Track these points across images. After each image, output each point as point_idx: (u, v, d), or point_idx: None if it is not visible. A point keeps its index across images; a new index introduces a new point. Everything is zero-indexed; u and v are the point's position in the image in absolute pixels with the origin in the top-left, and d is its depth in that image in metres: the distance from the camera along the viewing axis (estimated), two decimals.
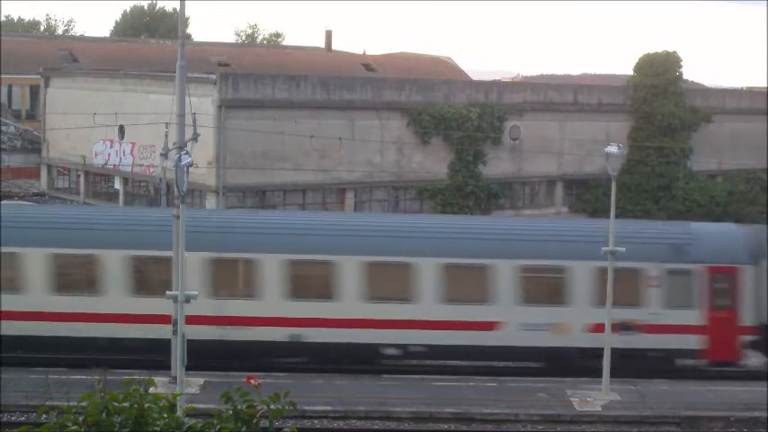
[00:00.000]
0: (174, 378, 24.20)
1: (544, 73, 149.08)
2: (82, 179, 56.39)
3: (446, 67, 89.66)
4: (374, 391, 26.96)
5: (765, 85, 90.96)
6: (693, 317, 29.72)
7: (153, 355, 27.36)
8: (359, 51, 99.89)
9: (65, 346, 28.40)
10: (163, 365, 26.10)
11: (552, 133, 55.98)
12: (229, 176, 46.19)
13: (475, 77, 78.53)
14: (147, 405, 7.45)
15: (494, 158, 54.00)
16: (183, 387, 21.10)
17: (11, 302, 28.31)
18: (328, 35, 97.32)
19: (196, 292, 21.44)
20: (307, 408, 24.50)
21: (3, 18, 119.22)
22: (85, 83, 56.66)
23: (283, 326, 28.91)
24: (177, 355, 22.27)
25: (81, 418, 7.40)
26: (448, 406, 25.98)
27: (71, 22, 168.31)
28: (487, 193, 53.58)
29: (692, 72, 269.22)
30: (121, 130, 51.46)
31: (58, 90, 58.17)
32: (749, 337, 30.08)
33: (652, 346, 29.57)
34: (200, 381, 26.37)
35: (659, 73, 59.09)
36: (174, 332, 23.42)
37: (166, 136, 34.74)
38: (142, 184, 53.17)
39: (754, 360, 30.89)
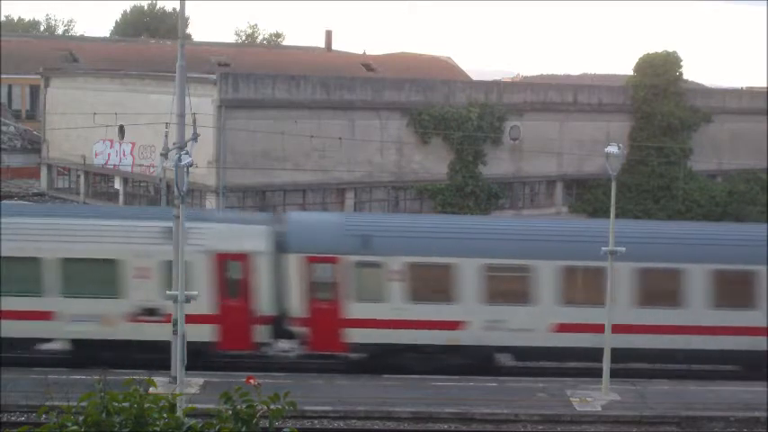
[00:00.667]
0: (174, 378, 24.20)
1: (544, 73, 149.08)
2: (82, 179, 56.41)
3: (446, 67, 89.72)
4: (374, 391, 26.95)
5: (765, 85, 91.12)
6: None
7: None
8: (359, 51, 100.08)
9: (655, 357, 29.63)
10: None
11: (552, 133, 55.99)
12: (229, 176, 46.19)
13: (475, 77, 78.60)
14: (146, 405, 7.45)
15: (494, 158, 54.00)
16: (183, 387, 21.10)
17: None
18: (328, 35, 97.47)
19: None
20: (307, 408, 24.50)
21: (3, 18, 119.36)
22: (85, 83, 56.68)
23: None
24: (177, 355, 22.27)
25: (81, 418, 7.40)
26: (448, 406, 25.98)
27: (71, 22, 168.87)
28: (487, 193, 53.58)
29: (692, 72, 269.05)
30: (121, 130, 51.47)
31: (58, 90, 58.18)
32: None
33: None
34: (200, 381, 26.38)
35: (659, 73, 59.09)
36: (175, 332, 23.41)
37: (166, 136, 34.72)
38: (142, 184, 53.19)
39: None
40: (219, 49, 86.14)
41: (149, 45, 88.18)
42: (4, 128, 64.59)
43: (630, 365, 29.69)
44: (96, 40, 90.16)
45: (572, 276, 29.34)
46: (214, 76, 48.08)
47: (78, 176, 56.95)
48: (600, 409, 26.43)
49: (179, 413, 7.59)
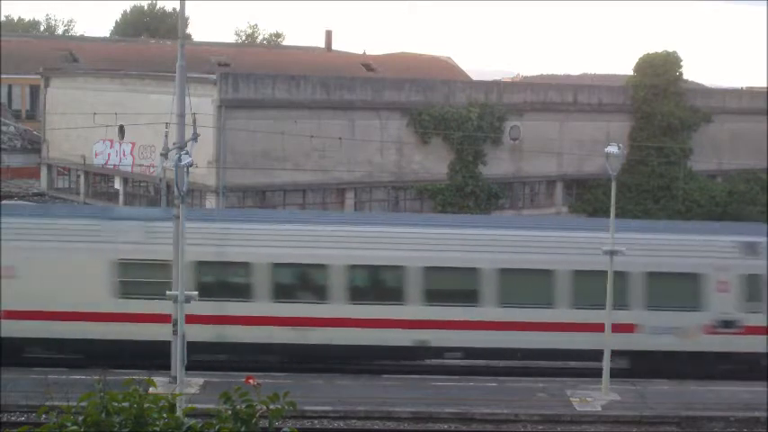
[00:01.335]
0: (174, 378, 24.19)
1: (544, 73, 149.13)
2: (82, 179, 56.40)
3: (446, 67, 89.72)
4: (374, 391, 26.95)
5: (765, 85, 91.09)
6: None
7: None
8: (359, 51, 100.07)
9: None
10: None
11: (552, 133, 55.98)
12: (229, 176, 46.18)
13: (475, 77, 78.58)
14: (146, 405, 7.45)
15: (494, 158, 53.99)
16: (183, 387, 21.09)
17: None
18: (328, 35, 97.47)
19: None
20: (307, 408, 24.49)
21: (3, 18, 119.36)
22: (85, 83, 56.67)
23: None
24: (177, 355, 22.26)
25: (81, 418, 7.40)
26: (448, 406, 25.97)
27: (71, 22, 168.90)
28: (487, 193, 53.57)
29: (692, 72, 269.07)
30: (121, 130, 51.46)
31: (58, 90, 58.18)
32: None
33: None
34: (200, 381, 26.37)
35: (659, 73, 59.07)
36: (174, 332, 23.40)
37: (166, 136, 34.68)
38: (142, 184, 53.18)
39: None
40: (219, 49, 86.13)
41: (149, 45, 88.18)
42: (4, 128, 64.57)
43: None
44: (96, 40, 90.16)
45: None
46: (214, 76, 48.06)
47: (78, 176, 56.94)
48: (600, 409, 26.43)
49: (179, 413, 7.60)
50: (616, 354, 27.93)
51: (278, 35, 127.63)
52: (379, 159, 50.86)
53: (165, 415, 7.46)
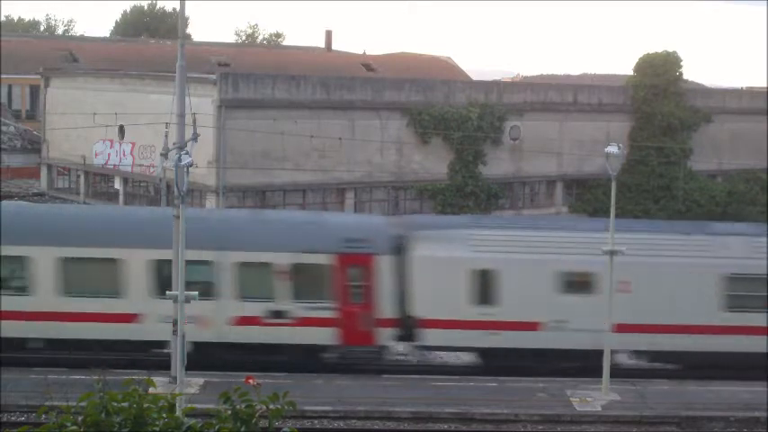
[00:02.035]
0: (174, 378, 24.18)
1: (544, 73, 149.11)
2: (82, 179, 56.40)
3: (446, 67, 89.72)
4: (374, 391, 26.95)
5: (765, 85, 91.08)
6: None
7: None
8: (359, 51, 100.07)
9: None
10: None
11: (552, 133, 55.98)
12: (229, 176, 46.18)
13: (475, 77, 78.59)
14: (146, 405, 7.45)
15: (494, 158, 54.00)
16: (183, 387, 21.09)
17: None
18: (328, 35, 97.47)
19: None
20: (307, 408, 24.49)
21: (3, 18, 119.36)
22: (85, 83, 56.67)
23: None
24: (177, 355, 22.26)
25: (80, 418, 7.40)
26: (448, 406, 25.97)
27: (71, 22, 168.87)
28: (487, 193, 53.59)
29: (692, 72, 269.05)
30: (121, 130, 51.46)
31: (58, 90, 58.18)
32: None
33: None
34: (200, 381, 26.36)
35: (659, 73, 59.08)
36: (174, 332, 23.40)
37: (166, 136, 34.69)
38: (142, 184, 53.18)
39: None
40: (219, 49, 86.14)
41: (149, 45, 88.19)
42: (4, 128, 64.59)
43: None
44: (96, 40, 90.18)
45: None
46: (214, 76, 48.07)
47: (78, 176, 56.94)
48: (600, 409, 26.43)
49: (178, 413, 7.59)
50: None
51: (278, 35, 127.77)
52: (379, 159, 50.87)
53: (164, 415, 7.46)
